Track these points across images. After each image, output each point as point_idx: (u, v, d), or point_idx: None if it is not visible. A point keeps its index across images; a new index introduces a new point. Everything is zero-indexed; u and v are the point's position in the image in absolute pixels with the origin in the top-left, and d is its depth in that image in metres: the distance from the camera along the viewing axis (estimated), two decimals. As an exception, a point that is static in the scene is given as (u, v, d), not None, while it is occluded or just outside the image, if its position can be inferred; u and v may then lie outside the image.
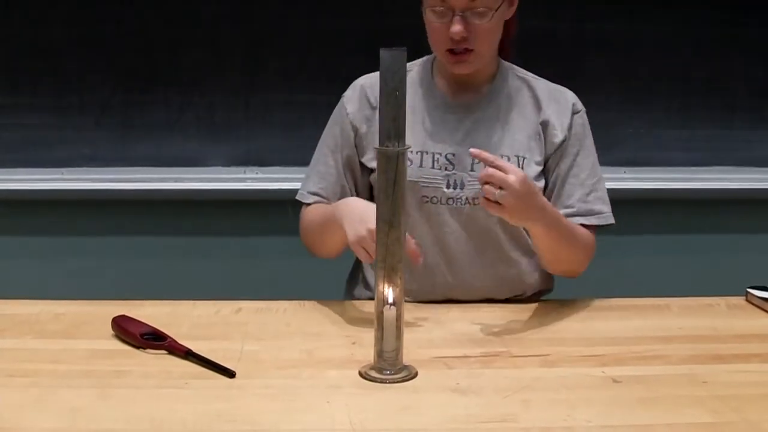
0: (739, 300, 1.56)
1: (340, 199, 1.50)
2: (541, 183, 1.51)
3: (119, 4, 2.27)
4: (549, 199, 1.47)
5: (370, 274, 1.60)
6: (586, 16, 2.34)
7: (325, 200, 1.56)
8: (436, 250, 1.50)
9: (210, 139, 2.36)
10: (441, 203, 1.49)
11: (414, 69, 1.55)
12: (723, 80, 2.42)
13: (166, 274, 2.40)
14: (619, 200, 2.45)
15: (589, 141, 1.55)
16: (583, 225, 1.50)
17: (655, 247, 2.50)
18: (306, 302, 1.53)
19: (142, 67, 2.31)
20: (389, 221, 1.18)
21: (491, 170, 1.26)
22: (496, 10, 1.39)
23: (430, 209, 1.49)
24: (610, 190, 2.40)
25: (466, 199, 1.48)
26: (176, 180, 2.36)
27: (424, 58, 1.56)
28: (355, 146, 1.56)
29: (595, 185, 1.53)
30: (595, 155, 1.56)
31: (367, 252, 1.32)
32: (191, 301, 1.50)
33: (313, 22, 2.30)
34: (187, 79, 2.33)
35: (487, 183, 1.27)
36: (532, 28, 2.28)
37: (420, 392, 1.16)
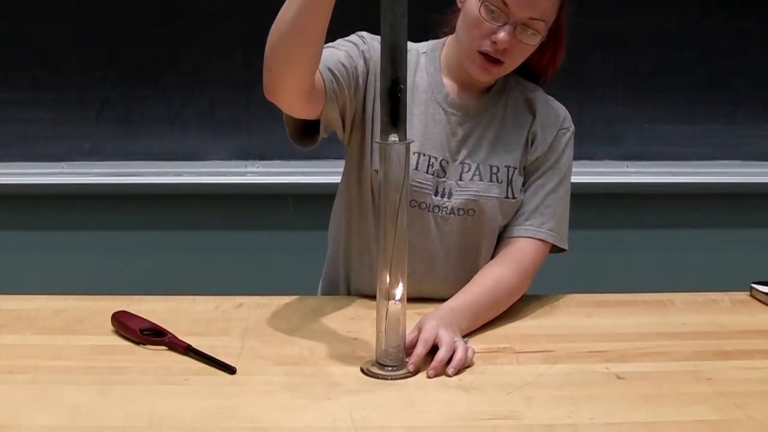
0: (744, 295, 1.55)
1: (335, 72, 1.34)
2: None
3: (120, -2, 2.27)
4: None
5: (354, 273, 1.54)
6: (589, 11, 2.33)
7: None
8: (415, 256, 1.46)
9: (211, 133, 2.36)
10: (428, 210, 1.44)
11: (422, 56, 1.49)
12: (727, 75, 2.42)
13: (166, 268, 2.40)
14: (622, 195, 2.48)
15: (566, 160, 1.49)
16: (530, 237, 1.46)
17: (658, 242, 2.49)
18: (307, 297, 1.52)
19: (143, 62, 2.31)
20: (393, 216, 1.16)
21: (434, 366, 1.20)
22: (543, 36, 1.37)
23: (415, 214, 1.44)
24: (613, 185, 2.43)
25: (452, 209, 1.45)
26: (177, 174, 2.36)
27: (429, 44, 1.50)
28: (358, 80, 1.41)
29: (555, 201, 1.48)
30: (569, 179, 1.50)
31: None
32: (191, 297, 1.49)
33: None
34: (188, 73, 2.32)
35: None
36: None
37: (422, 389, 1.15)
